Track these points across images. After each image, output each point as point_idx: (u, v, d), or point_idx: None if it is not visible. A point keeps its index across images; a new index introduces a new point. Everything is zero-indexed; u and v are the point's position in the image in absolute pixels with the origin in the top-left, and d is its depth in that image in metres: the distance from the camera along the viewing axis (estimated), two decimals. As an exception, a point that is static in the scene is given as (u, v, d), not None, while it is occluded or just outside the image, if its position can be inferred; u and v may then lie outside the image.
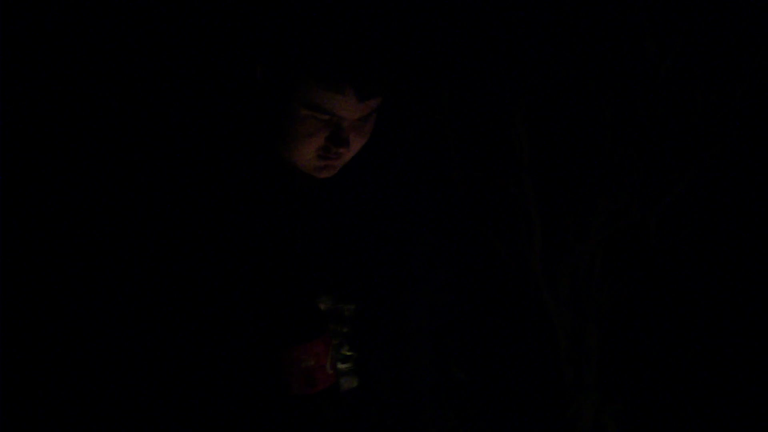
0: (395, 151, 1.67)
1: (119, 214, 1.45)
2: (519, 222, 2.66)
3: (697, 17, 2.43)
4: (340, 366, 1.49)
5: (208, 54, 1.87)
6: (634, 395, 2.66)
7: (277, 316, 1.39)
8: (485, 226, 2.64)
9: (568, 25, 2.48)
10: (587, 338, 2.63)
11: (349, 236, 1.55)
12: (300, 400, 1.38)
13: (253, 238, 1.42)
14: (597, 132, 2.57)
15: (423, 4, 2.36)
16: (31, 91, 1.96)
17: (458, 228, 2.64)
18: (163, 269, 1.41)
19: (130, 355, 1.43)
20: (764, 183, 2.73)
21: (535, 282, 2.62)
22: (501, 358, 2.71)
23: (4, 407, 1.65)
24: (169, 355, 1.41)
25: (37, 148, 1.94)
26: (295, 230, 1.46)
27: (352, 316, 1.53)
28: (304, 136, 1.41)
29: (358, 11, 1.37)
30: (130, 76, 1.98)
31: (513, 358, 2.72)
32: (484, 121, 2.59)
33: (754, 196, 2.74)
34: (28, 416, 1.64)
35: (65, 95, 1.98)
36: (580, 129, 2.60)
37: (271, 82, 1.39)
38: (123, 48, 2.01)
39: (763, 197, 2.73)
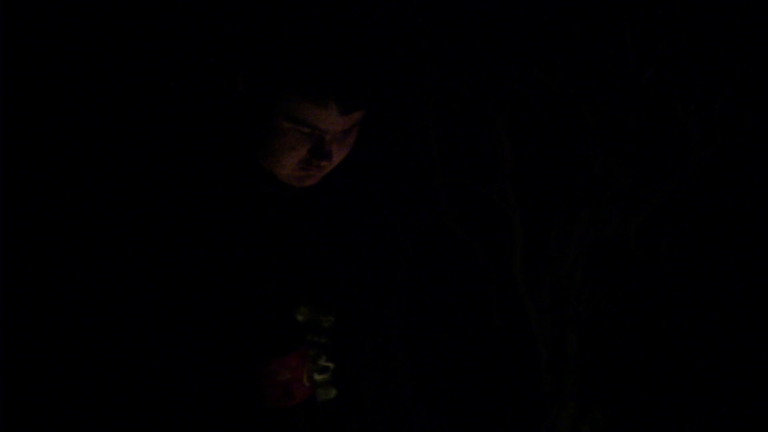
0: (376, 160, 1.67)
1: (96, 226, 1.44)
2: (501, 229, 2.67)
3: (680, 27, 2.44)
4: (317, 377, 1.49)
5: (191, 65, 1.87)
6: (612, 404, 2.67)
7: (253, 329, 1.39)
8: (467, 234, 2.65)
9: (551, 33, 2.49)
10: (567, 346, 2.64)
11: (328, 246, 1.55)
12: (277, 413, 1.38)
13: (230, 249, 1.42)
14: (579, 140, 2.58)
15: (403, 14, 2.36)
16: (25, 99, 1.96)
17: (440, 236, 2.64)
18: (139, 280, 1.41)
19: (105, 367, 1.43)
20: (745, 191, 2.74)
21: (516, 289, 2.63)
22: (480, 365, 2.71)
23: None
24: (144, 368, 1.41)
25: (30, 153, 1.94)
26: (273, 241, 1.46)
27: (331, 327, 1.53)
28: (286, 149, 1.40)
29: (339, 24, 1.37)
30: (110, 86, 1.98)
31: (492, 366, 2.72)
32: (467, 129, 2.60)
33: (735, 205, 2.76)
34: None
35: (46, 108, 1.98)
36: (563, 137, 2.61)
37: (252, 95, 1.39)
38: (105, 56, 2.01)
39: (744, 206, 2.75)
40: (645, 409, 2.72)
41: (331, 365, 1.52)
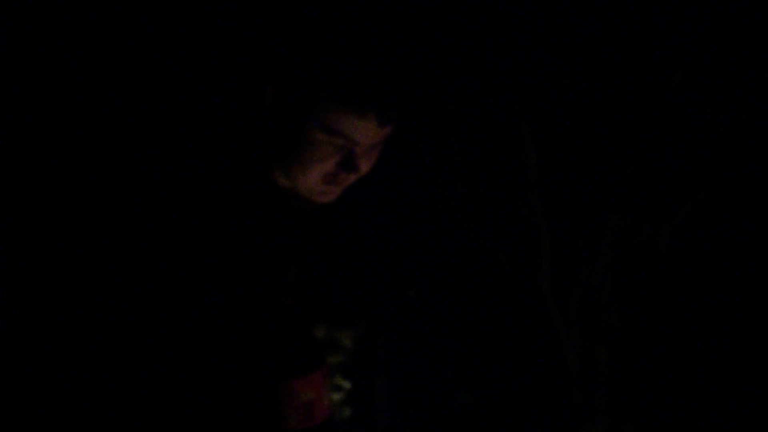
0: (398, 170, 1.61)
1: (112, 242, 1.40)
2: (527, 240, 2.61)
3: (707, 32, 2.38)
4: (333, 396, 1.43)
5: (217, 74, 1.82)
6: (644, 420, 2.61)
7: (274, 348, 1.34)
8: (492, 244, 2.59)
9: (577, 40, 2.43)
10: (597, 360, 2.57)
11: (348, 261, 1.49)
12: (297, 434, 1.32)
13: (247, 269, 1.38)
14: (607, 146, 2.52)
15: (428, 23, 2.32)
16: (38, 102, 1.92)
17: (464, 246, 2.58)
18: (157, 299, 1.36)
19: (123, 384, 1.38)
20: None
21: (544, 302, 2.56)
22: (509, 380, 2.66)
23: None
24: (165, 389, 1.36)
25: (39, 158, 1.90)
26: (291, 258, 1.42)
27: (349, 344, 1.47)
28: (315, 161, 1.37)
29: (380, 35, 1.34)
30: (128, 87, 1.94)
31: (521, 381, 2.67)
32: (492, 137, 2.54)
33: (766, 214, 2.69)
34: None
35: (66, 105, 1.94)
36: (590, 145, 2.55)
37: (284, 105, 1.35)
38: (126, 57, 1.97)
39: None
40: (678, 425, 2.64)
41: (347, 384, 1.48)
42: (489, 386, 2.53)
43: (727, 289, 2.69)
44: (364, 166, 1.47)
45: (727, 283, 2.69)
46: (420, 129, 2.37)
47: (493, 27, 2.40)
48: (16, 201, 1.80)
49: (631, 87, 2.44)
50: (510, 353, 2.69)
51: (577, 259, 2.51)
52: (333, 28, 1.34)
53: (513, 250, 2.61)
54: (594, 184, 2.50)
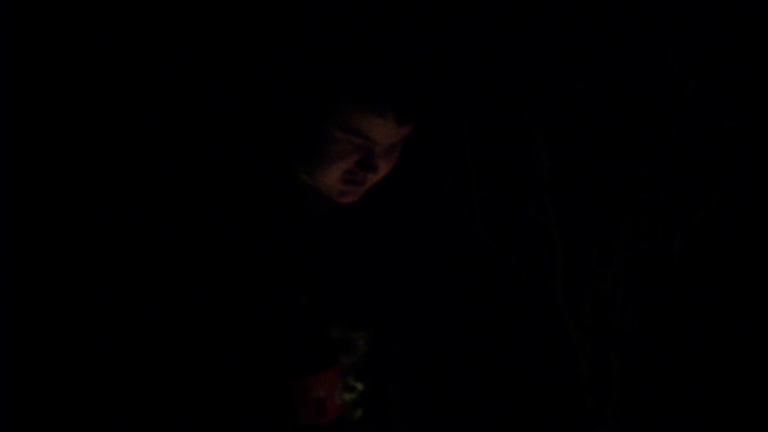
0: (411, 174, 1.62)
1: (127, 237, 1.41)
2: (540, 245, 2.61)
3: (722, 37, 2.38)
4: (345, 396, 1.44)
5: (238, 73, 1.83)
6: (657, 425, 2.60)
7: (288, 344, 1.35)
8: (504, 250, 2.60)
9: (592, 46, 2.44)
10: (609, 366, 2.57)
11: (364, 262, 1.50)
12: (308, 430, 1.33)
13: (266, 264, 1.39)
14: (620, 154, 2.52)
15: (452, 26, 2.33)
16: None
17: (478, 252, 2.59)
18: (172, 294, 1.37)
19: (136, 378, 1.39)
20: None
21: (556, 306, 2.56)
22: (520, 385, 2.66)
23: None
24: (177, 384, 1.37)
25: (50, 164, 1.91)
26: (309, 256, 1.43)
27: (363, 345, 1.48)
28: (334, 160, 1.38)
29: (399, 35, 1.36)
30: (149, 86, 1.95)
31: (532, 386, 2.67)
32: (504, 142, 2.55)
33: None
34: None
35: (72, 99, 1.96)
36: (603, 151, 2.55)
37: (304, 103, 1.37)
38: (146, 56, 1.99)
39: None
40: (691, 430, 2.64)
41: (359, 385, 1.48)
42: (500, 390, 2.53)
43: (741, 295, 2.68)
44: (384, 167, 1.49)
45: (741, 289, 2.69)
46: (432, 131, 2.38)
47: (508, 29, 2.41)
48: (30, 199, 1.81)
49: (645, 91, 2.44)
50: (522, 357, 2.68)
51: (590, 264, 2.51)
52: (352, 27, 1.35)
53: (525, 254, 2.61)
54: (607, 188, 2.51)
